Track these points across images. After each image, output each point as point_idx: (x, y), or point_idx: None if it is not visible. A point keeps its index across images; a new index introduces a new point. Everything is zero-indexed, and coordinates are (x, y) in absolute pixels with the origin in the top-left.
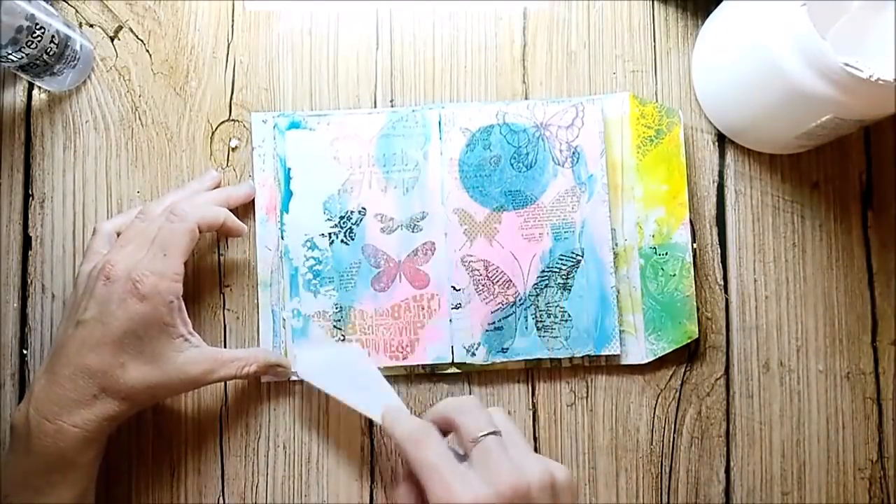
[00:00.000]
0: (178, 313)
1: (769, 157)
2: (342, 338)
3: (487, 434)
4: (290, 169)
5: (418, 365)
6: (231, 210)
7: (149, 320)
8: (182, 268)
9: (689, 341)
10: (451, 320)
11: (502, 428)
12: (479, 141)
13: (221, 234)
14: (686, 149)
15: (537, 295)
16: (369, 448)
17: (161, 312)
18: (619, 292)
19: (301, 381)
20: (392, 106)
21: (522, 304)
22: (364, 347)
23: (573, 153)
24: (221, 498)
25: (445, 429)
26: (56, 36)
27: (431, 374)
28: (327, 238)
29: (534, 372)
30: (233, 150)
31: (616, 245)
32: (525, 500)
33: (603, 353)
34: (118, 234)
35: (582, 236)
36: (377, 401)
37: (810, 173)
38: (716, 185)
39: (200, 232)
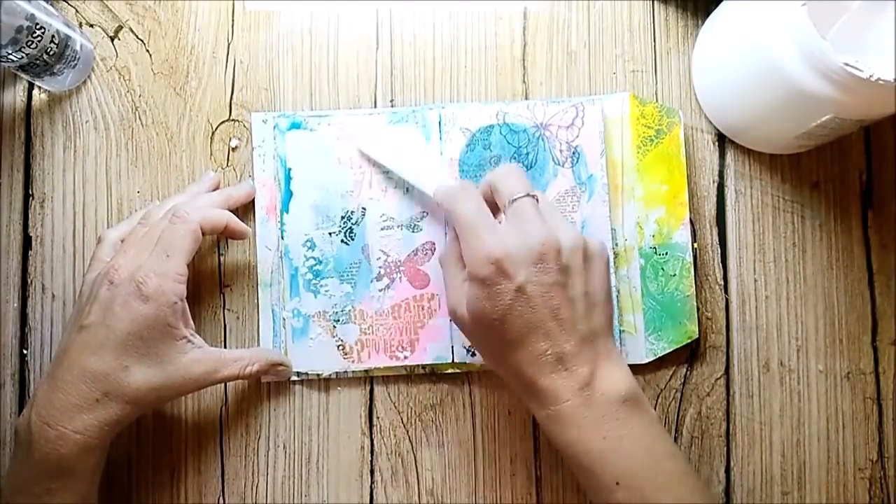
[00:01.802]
0: (181, 314)
1: (769, 157)
2: (341, 343)
3: (524, 196)
4: (290, 169)
5: (418, 365)
6: (231, 210)
7: (152, 322)
8: (185, 269)
9: (689, 341)
10: (451, 320)
11: (541, 198)
12: (480, 141)
13: (225, 237)
14: (686, 149)
15: None
16: (369, 448)
17: (165, 313)
18: (619, 292)
19: (301, 382)
20: (392, 106)
21: None
22: (364, 347)
23: (573, 153)
24: (221, 498)
25: (489, 197)
26: (56, 36)
27: (431, 374)
28: (327, 238)
29: None
30: (233, 150)
31: (616, 245)
32: (555, 258)
33: None
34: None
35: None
36: (431, 178)
37: (810, 173)
38: (716, 185)
39: (203, 234)
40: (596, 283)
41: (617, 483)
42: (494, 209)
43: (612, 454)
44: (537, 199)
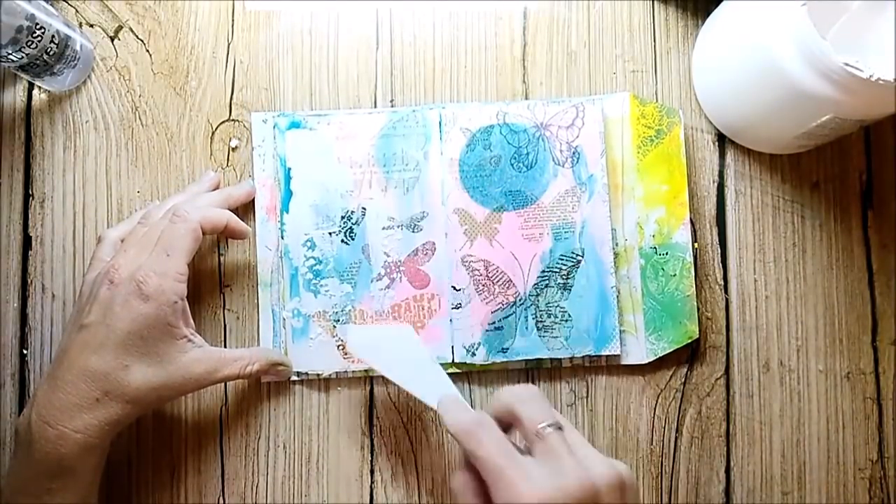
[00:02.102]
0: (181, 314)
1: (769, 157)
2: (341, 343)
3: (551, 426)
4: (290, 169)
5: None
6: (232, 210)
7: (152, 321)
8: (186, 268)
9: (689, 341)
10: (451, 320)
11: (562, 422)
12: (480, 141)
13: (225, 237)
14: (686, 149)
15: (537, 295)
16: (369, 448)
17: (165, 313)
18: (619, 292)
19: (301, 382)
20: (392, 106)
21: (522, 304)
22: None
23: (573, 153)
24: (221, 498)
25: (507, 420)
26: (56, 36)
27: None
28: (327, 238)
29: (534, 372)
30: (233, 150)
31: (616, 245)
32: (593, 500)
33: (603, 353)
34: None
35: (582, 236)
36: (431, 386)
37: (810, 173)
38: (716, 185)
39: (204, 233)
40: None
41: None
42: (507, 423)
43: None
44: (562, 428)
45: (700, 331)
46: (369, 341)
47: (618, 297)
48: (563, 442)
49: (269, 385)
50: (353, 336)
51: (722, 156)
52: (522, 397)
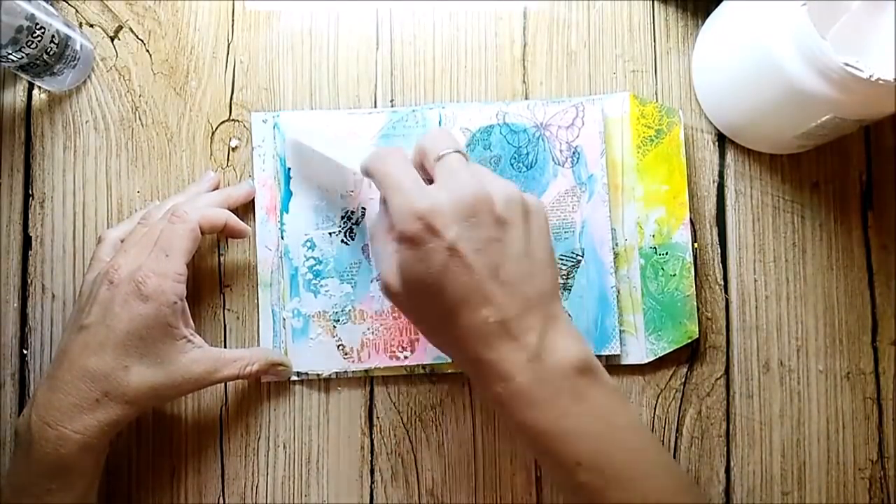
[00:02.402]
0: (181, 314)
1: (769, 157)
2: (341, 343)
3: (452, 152)
4: (290, 169)
5: (418, 365)
6: (231, 210)
7: (152, 321)
8: (185, 268)
9: (689, 341)
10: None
11: (468, 155)
12: (480, 141)
13: (225, 236)
14: (686, 149)
15: None
16: (369, 448)
17: (164, 313)
18: (619, 292)
19: (301, 382)
20: (392, 106)
21: None
22: (364, 347)
23: (573, 153)
24: (221, 498)
25: (421, 162)
26: (56, 36)
27: (431, 374)
28: (328, 238)
29: None
30: (233, 150)
31: (616, 245)
32: (489, 210)
33: (603, 353)
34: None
35: (582, 236)
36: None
37: (810, 173)
38: (716, 185)
39: (203, 233)
40: (537, 240)
41: (578, 463)
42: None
43: (571, 434)
44: (466, 157)
45: (700, 331)
46: (303, 128)
47: (618, 297)
48: (463, 162)
49: (269, 385)
50: (291, 127)
51: (722, 156)
52: (429, 135)
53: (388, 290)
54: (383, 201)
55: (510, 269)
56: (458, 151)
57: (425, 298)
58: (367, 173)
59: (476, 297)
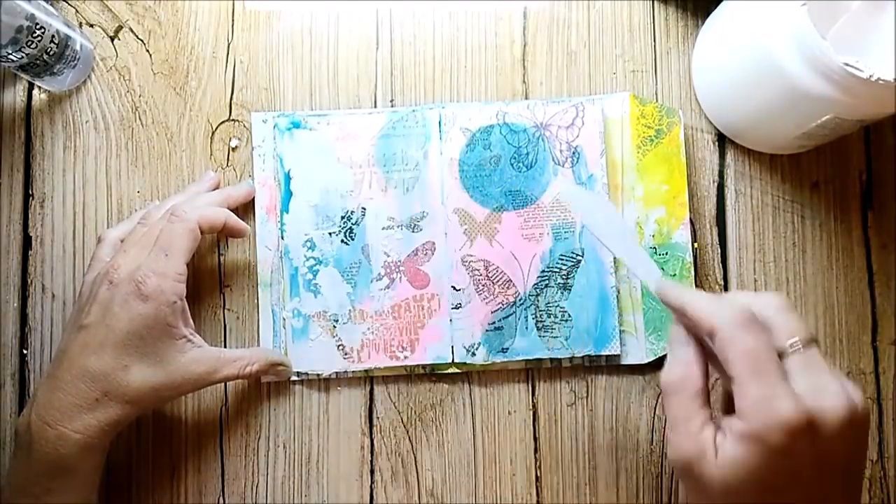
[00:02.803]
0: (181, 314)
1: (769, 157)
2: (341, 343)
3: (813, 344)
4: (290, 169)
5: (418, 365)
6: (231, 210)
7: (152, 321)
8: (184, 268)
9: None
10: (451, 320)
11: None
12: (480, 141)
13: (224, 235)
14: (686, 149)
15: (537, 295)
16: (369, 448)
17: (164, 313)
18: (619, 292)
19: (301, 382)
20: (392, 106)
21: (522, 304)
22: (364, 347)
23: (573, 153)
24: (221, 498)
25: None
26: (56, 36)
27: (431, 374)
28: (327, 238)
29: (534, 372)
30: (233, 150)
31: None
32: (854, 423)
33: (603, 353)
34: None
35: (582, 236)
36: (637, 261)
37: (810, 173)
38: (716, 185)
39: (202, 232)
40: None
41: None
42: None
43: None
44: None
45: None
46: (578, 195)
47: (618, 297)
48: (821, 357)
49: (269, 385)
50: (564, 187)
51: (722, 156)
52: (776, 306)
53: (685, 469)
54: (695, 355)
55: (859, 480)
56: (814, 341)
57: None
58: (694, 324)
59: None
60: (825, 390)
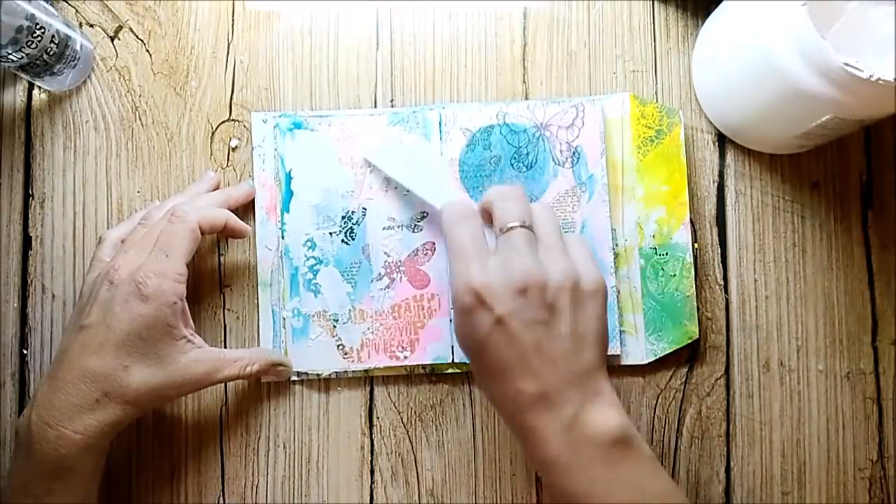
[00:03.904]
0: (181, 314)
1: (769, 157)
2: (341, 343)
3: (518, 227)
4: (290, 169)
5: (418, 365)
6: (232, 210)
7: (152, 321)
8: (185, 268)
9: (689, 341)
10: (451, 320)
11: (541, 225)
12: (480, 141)
13: (225, 236)
14: (686, 149)
15: None
16: (369, 448)
17: (164, 313)
18: (619, 292)
19: (301, 382)
20: (392, 106)
21: None
22: (364, 347)
23: (573, 153)
24: (221, 498)
25: (487, 210)
26: (56, 36)
27: (431, 374)
28: (328, 238)
29: None
30: (233, 150)
31: (616, 245)
32: (539, 294)
33: None
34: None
35: (582, 236)
36: (440, 193)
37: (810, 173)
38: (716, 185)
39: (203, 233)
40: (587, 322)
41: None
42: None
43: (603, 499)
44: (530, 228)
45: (700, 331)
46: (384, 149)
47: (618, 297)
48: (527, 239)
49: (269, 385)
50: (369, 145)
51: (722, 156)
52: (504, 195)
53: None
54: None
55: (553, 347)
56: (525, 226)
57: (473, 361)
58: (444, 229)
59: (518, 368)
60: (513, 266)
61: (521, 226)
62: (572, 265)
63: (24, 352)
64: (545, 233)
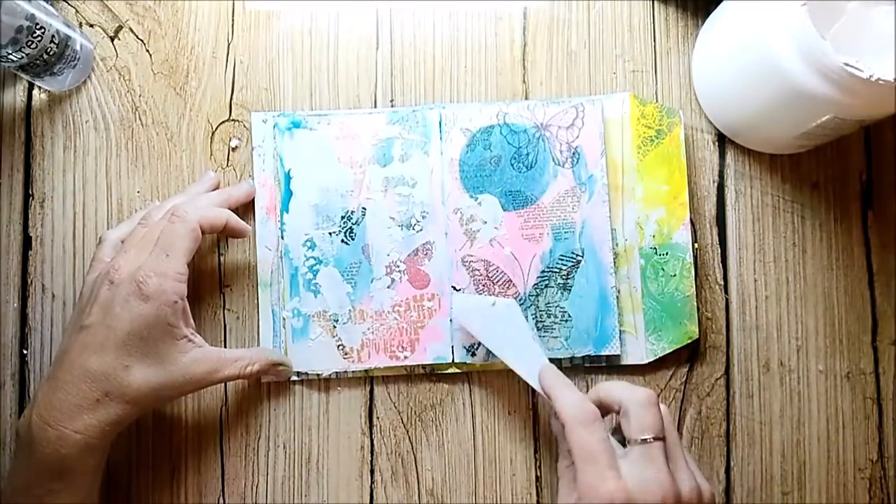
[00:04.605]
0: (181, 314)
1: (769, 157)
2: (341, 343)
3: (654, 440)
4: (290, 169)
5: (418, 365)
6: (232, 210)
7: (152, 321)
8: (185, 268)
9: (689, 341)
10: (451, 320)
11: (670, 435)
12: (480, 141)
13: (225, 236)
14: (686, 149)
15: (537, 295)
16: (369, 448)
17: (165, 313)
18: (619, 292)
19: (301, 382)
20: (392, 106)
21: (522, 304)
22: (364, 347)
23: (573, 153)
24: (221, 498)
25: (608, 409)
26: (56, 36)
27: (431, 374)
28: (328, 238)
29: None
30: (233, 150)
31: (616, 245)
32: None
33: (603, 354)
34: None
35: (582, 237)
36: (530, 361)
37: (810, 173)
38: (716, 185)
39: (203, 233)
40: None
41: None
42: (607, 411)
43: None
44: (665, 441)
45: (700, 331)
46: (472, 310)
47: (618, 297)
48: (662, 453)
49: (269, 385)
50: (457, 304)
51: (722, 156)
52: (642, 401)
53: None
54: (570, 464)
55: None
56: (660, 438)
57: None
58: (560, 426)
59: None
60: (651, 479)
61: (656, 438)
62: (695, 481)
63: (24, 352)
64: (673, 444)
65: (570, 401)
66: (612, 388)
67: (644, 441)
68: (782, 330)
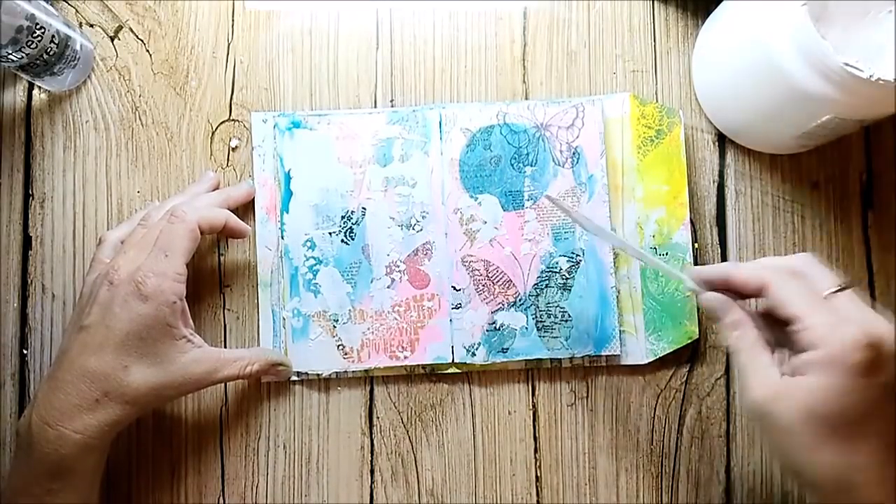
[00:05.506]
0: (180, 314)
1: (769, 157)
2: (341, 343)
3: (848, 286)
4: (290, 169)
5: (418, 365)
6: (231, 210)
7: (151, 321)
8: (184, 268)
9: (689, 341)
10: (451, 320)
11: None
12: (480, 141)
13: (225, 236)
14: (686, 149)
15: (537, 295)
16: (369, 448)
17: (164, 313)
18: (619, 292)
19: (301, 382)
20: (392, 106)
21: (522, 304)
22: (364, 347)
23: (573, 153)
24: (221, 498)
25: (757, 290)
26: (56, 36)
27: (431, 374)
28: (327, 238)
29: (534, 372)
30: (233, 150)
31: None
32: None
33: (603, 354)
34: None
35: (582, 236)
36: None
37: (810, 173)
38: (716, 185)
39: (202, 233)
40: None
41: None
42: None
43: None
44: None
45: (700, 331)
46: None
47: (618, 297)
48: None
49: (269, 385)
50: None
51: (722, 156)
52: (813, 262)
53: (764, 412)
54: (751, 311)
55: None
56: (846, 287)
57: (831, 434)
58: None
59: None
60: (877, 318)
61: (842, 288)
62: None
63: (24, 352)
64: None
65: (754, 266)
66: (778, 265)
67: (841, 289)
68: None
